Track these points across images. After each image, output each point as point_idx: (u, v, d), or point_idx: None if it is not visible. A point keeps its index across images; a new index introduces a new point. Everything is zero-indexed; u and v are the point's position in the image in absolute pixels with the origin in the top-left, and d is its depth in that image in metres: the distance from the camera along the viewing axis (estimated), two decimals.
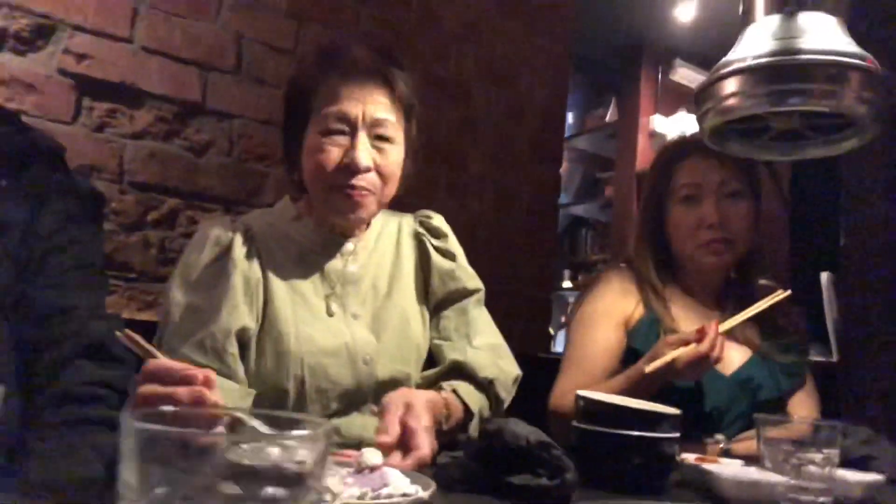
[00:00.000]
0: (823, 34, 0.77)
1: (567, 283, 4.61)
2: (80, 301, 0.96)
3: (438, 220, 1.23)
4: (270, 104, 1.85)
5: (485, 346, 1.17)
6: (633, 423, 0.92)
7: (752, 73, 0.75)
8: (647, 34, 4.09)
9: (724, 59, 0.80)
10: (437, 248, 1.20)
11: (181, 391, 0.69)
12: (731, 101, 0.75)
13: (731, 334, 1.35)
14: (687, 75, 4.24)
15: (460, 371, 1.12)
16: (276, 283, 1.06)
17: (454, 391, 1.06)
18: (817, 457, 0.93)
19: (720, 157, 1.34)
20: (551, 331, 3.08)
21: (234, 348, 1.00)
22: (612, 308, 1.38)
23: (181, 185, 1.72)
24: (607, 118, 4.51)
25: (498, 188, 2.36)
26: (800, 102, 0.71)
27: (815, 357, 2.20)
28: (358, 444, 1.04)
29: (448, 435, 1.01)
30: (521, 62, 2.44)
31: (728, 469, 0.91)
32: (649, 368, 1.15)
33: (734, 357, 1.35)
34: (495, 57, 2.38)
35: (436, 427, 0.95)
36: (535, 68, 2.49)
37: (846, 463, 0.98)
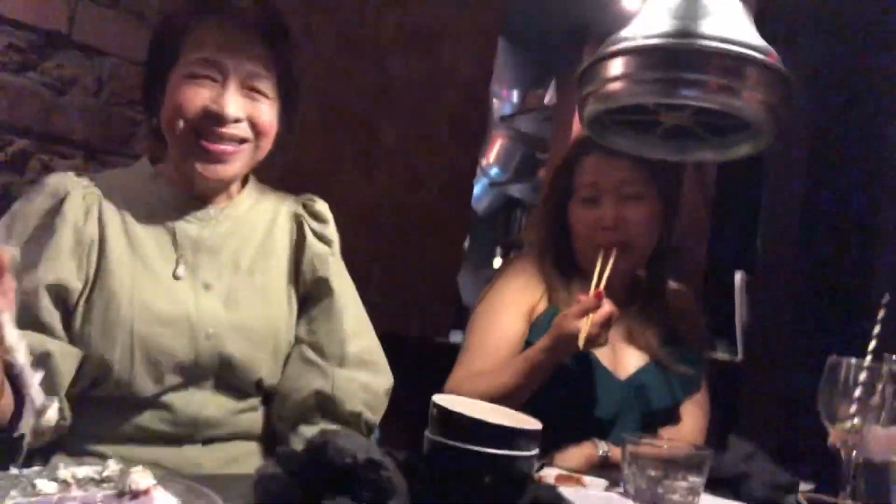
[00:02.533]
0: (727, 19, 0.67)
1: (498, 263, 4.59)
2: None
3: (322, 206, 1.18)
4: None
5: (357, 355, 1.11)
6: (487, 439, 0.83)
7: (640, 55, 0.64)
8: (593, 17, 4.02)
9: (613, 36, 0.68)
10: (314, 232, 1.14)
11: None
12: (615, 86, 0.64)
13: (631, 340, 1.36)
14: None
15: (324, 406, 1.07)
16: (115, 245, 1.00)
17: None
18: (682, 485, 0.87)
19: (623, 155, 1.26)
20: None
21: (44, 299, 0.94)
22: (517, 297, 1.35)
23: (34, 126, 1.52)
24: (546, 100, 4.46)
25: (409, 165, 2.23)
26: (693, 96, 0.61)
27: (721, 356, 2.25)
28: (193, 423, 1.00)
29: None
30: (445, 29, 2.30)
31: (586, 498, 0.83)
32: (581, 343, 1.14)
33: (631, 361, 1.33)
34: (417, 22, 2.23)
35: None
36: (461, 38, 2.35)
37: (718, 481, 0.96)
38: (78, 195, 0.98)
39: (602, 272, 1.23)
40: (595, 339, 1.16)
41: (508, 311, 1.33)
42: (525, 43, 3.69)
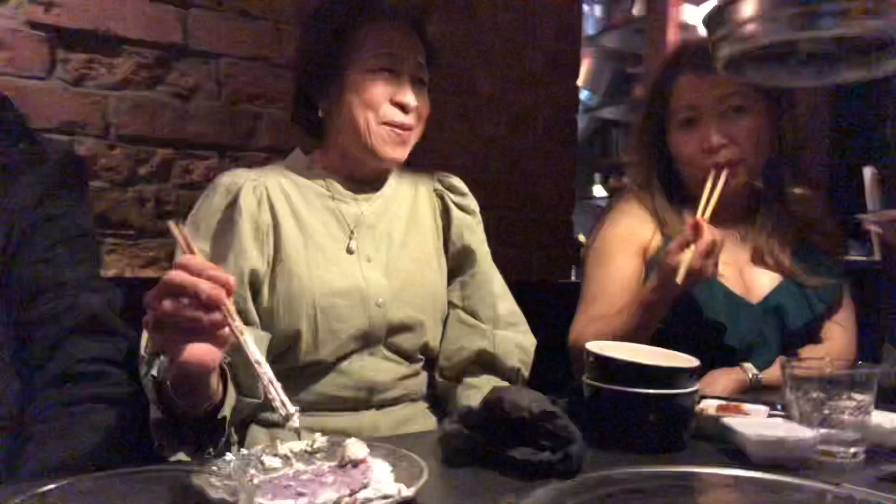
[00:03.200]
0: None
1: (599, 191, 4.46)
2: (71, 275, 0.94)
3: (457, 180, 1.26)
4: (257, 39, 1.73)
5: (506, 317, 1.19)
6: (648, 380, 0.86)
7: None
8: None
9: None
10: (456, 204, 1.22)
11: (203, 284, 0.69)
12: (750, 28, 0.63)
13: (759, 260, 1.30)
14: None
15: (487, 363, 1.15)
16: (288, 227, 1.07)
17: None
18: (849, 405, 0.86)
19: (715, 71, 1.22)
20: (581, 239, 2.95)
21: (245, 291, 1.02)
22: (628, 236, 1.31)
23: (171, 135, 1.64)
24: (634, 12, 4.22)
25: (511, 110, 2.22)
26: (833, 25, 0.58)
27: (856, 257, 2.14)
28: (370, 387, 1.09)
29: None
30: None
31: (751, 425, 0.84)
32: (680, 279, 1.08)
33: (763, 283, 1.28)
34: None
35: None
36: None
37: (881, 394, 0.89)
38: (249, 188, 1.07)
39: (710, 197, 1.17)
40: (700, 272, 1.09)
41: (620, 252, 1.30)
42: None
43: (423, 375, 1.18)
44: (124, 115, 1.58)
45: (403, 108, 1.09)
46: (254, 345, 0.73)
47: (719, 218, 1.29)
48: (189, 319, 0.69)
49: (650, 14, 4.08)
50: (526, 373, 1.19)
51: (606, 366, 0.89)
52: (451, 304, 1.21)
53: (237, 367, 0.94)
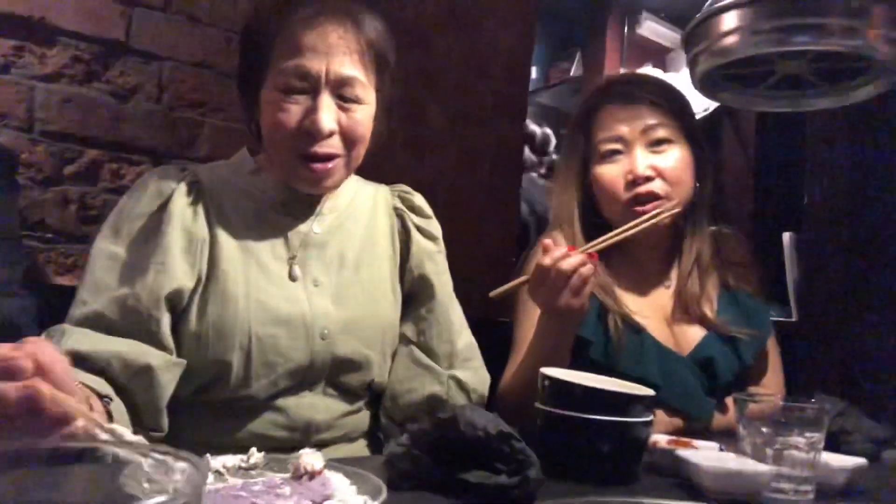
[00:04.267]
0: None
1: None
2: None
3: (420, 200, 1.15)
4: (205, 45, 1.65)
5: (462, 353, 1.10)
6: (603, 407, 0.83)
7: (755, 5, 0.62)
8: None
9: None
10: (418, 227, 1.11)
11: (8, 388, 0.52)
12: (730, 41, 0.63)
13: (685, 309, 1.26)
14: (654, 30, 4.11)
15: (436, 409, 1.03)
16: (227, 243, 0.95)
17: None
18: (800, 441, 0.85)
19: (640, 101, 1.20)
20: None
21: (160, 313, 0.89)
22: None
23: (102, 135, 1.53)
24: (572, 72, 4.38)
25: (460, 144, 2.22)
26: (811, 41, 0.59)
27: (775, 317, 2.20)
28: (306, 427, 0.97)
29: None
30: (484, 7, 2.27)
31: (705, 457, 0.82)
32: (493, 293, 1.08)
33: (690, 334, 1.25)
34: (457, 1, 2.21)
35: None
36: (500, 15, 2.32)
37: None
38: (182, 193, 0.95)
39: (618, 234, 1.14)
40: (546, 300, 1.06)
41: None
42: (544, 16, 3.63)
43: (365, 413, 1.07)
44: (53, 110, 1.47)
45: (314, 134, 0.93)
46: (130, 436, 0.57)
47: (648, 261, 1.30)
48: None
49: (586, 73, 4.25)
50: None
51: (561, 391, 0.86)
52: (403, 338, 1.09)
53: (133, 393, 0.83)
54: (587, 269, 1.05)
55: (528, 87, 2.50)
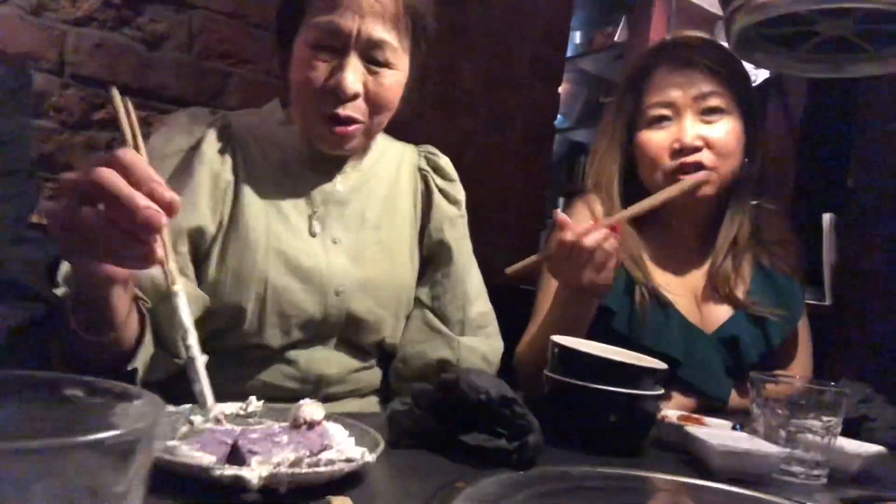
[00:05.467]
0: None
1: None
2: None
3: (445, 161, 1.11)
4: None
5: (476, 320, 1.08)
6: (612, 378, 0.81)
7: None
8: None
9: None
10: (441, 190, 1.08)
11: (140, 200, 0.56)
12: None
13: (716, 288, 1.21)
14: None
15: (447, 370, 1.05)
16: (251, 191, 0.95)
17: None
18: (816, 424, 0.83)
19: (696, 67, 1.14)
20: None
21: (184, 247, 0.89)
22: None
23: (131, 82, 1.54)
24: (616, 37, 4.25)
25: (492, 107, 2.18)
26: None
27: (808, 300, 2.14)
28: (318, 380, 0.97)
29: None
30: None
31: (715, 436, 0.80)
32: (509, 270, 1.03)
33: (718, 312, 1.21)
34: None
35: None
36: None
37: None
38: (213, 136, 0.94)
39: (655, 201, 1.08)
40: (568, 276, 1.01)
41: None
42: None
43: (377, 370, 1.07)
44: (83, 54, 1.48)
45: (340, 95, 0.90)
46: (185, 305, 0.62)
47: (682, 235, 1.25)
48: (108, 239, 0.57)
49: (632, 39, 4.12)
50: None
51: (570, 360, 0.84)
52: (417, 301, 1.08)
53: (159, 317, 0.82)
54: (611, 244, 1.00)
55: (565, 51, 2.44)
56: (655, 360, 0.88)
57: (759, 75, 2.38)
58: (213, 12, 1.63)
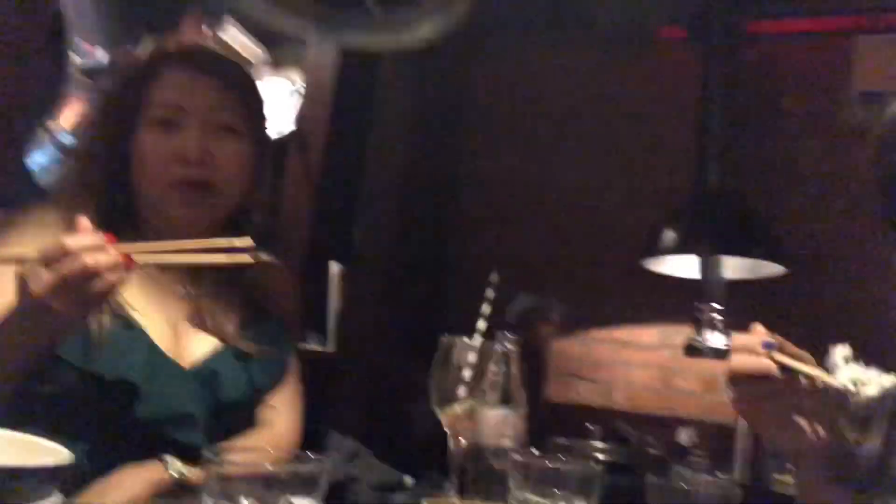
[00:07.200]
0: None
1: None
2: None
3: None
4: None
5: None
6: None
7: None
8: None
9: None
10: None
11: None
12: None
13: (201, 320, 1.10)
14: (236, 37, 3.94)
15: None
16: None
17: None
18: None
19: (215, 78, 1.12)
20: None
21: None
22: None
23: None
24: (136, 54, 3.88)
25: None
26: None
27: (312, 346, 2.19)
28: None
29: None
30: None
31: None
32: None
33: (200, 347, 1.08)
34: None
35: None
36: None
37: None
38: None
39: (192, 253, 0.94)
40: (53, 294, 0.79)
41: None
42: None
43: None
44: None
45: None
46: None
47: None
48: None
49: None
50: None
51: None
52: None
53: None
54: (117, 277, 0.83)
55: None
56: (54, 447, 0.57)
57: (282, 130, 2.38)
58: None
